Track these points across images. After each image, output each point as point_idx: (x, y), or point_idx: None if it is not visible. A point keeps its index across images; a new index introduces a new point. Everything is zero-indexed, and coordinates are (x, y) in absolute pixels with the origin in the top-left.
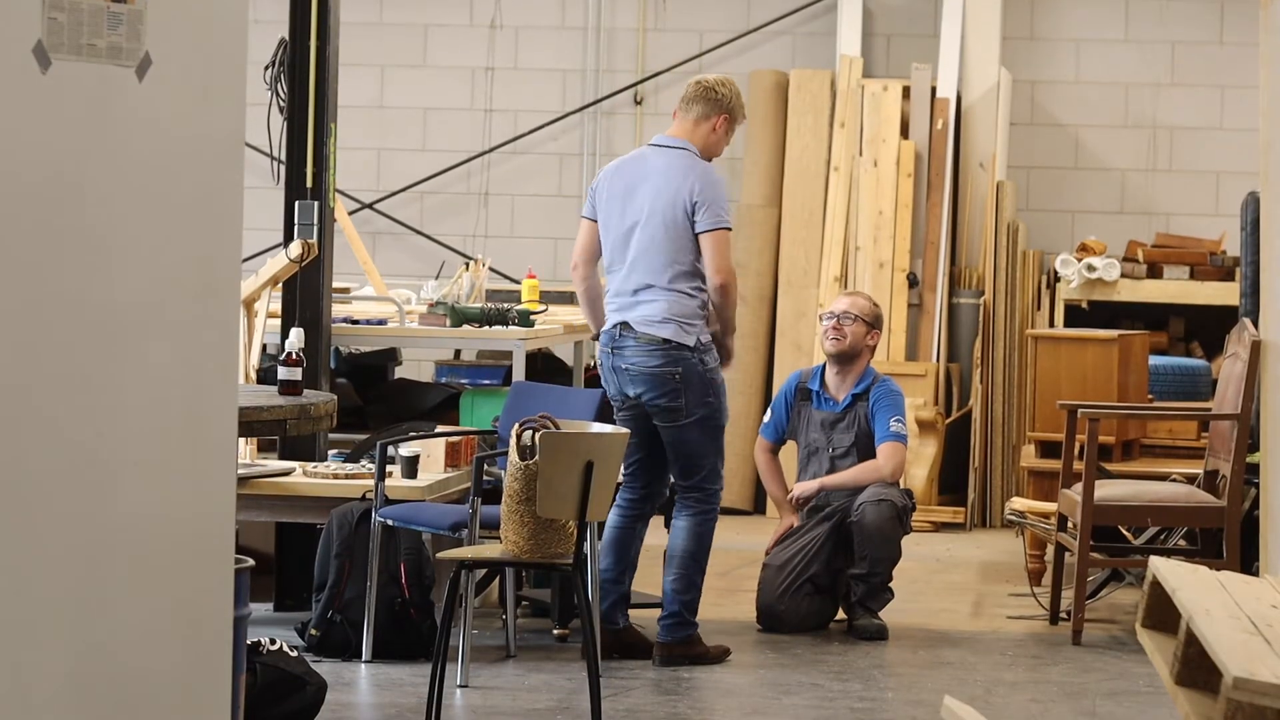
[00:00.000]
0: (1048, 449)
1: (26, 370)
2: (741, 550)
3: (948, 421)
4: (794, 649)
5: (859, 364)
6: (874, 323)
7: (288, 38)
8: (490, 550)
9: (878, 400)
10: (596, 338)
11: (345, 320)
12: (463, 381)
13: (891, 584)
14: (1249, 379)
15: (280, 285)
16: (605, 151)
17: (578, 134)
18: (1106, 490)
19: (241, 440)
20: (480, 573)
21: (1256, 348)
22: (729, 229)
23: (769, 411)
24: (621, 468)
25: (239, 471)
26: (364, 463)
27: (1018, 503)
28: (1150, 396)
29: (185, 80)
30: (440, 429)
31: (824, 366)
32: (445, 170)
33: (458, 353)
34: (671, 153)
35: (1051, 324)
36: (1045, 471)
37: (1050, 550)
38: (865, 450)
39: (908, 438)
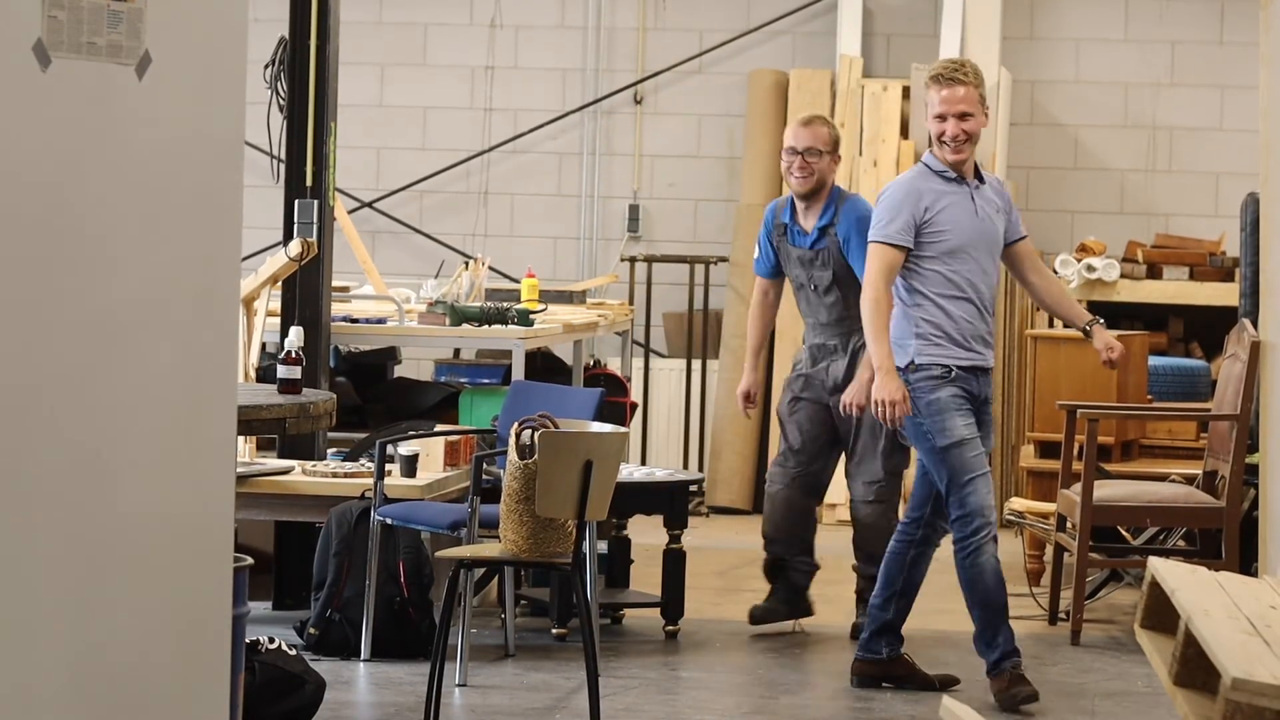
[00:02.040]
0: (1047, 449)
1: (26, 368)
2: (741, 550)
3: None
4: (793, 649)
5: (824, 193)
6: (835, 149)
7: (288, 36)
8: (489, 549)
9: (847, 238)
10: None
11: (345, 319)
12: (462, 380)
13: None
14: (1248, 380)
15: (280, 284)
16: (605, 151)
17: (577, 133)
18: (1106, 491)
19: (241, 439)
20: (479, 572)
21: (1256, 348)
22: (880, 242)
23: (756, 247)
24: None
25: (238, 470)
26: (363, 461)
27: (1017, 503)
28: (1149, 397)
29: (185, 78)
30: (439, 428)
31: (792, 197)
32: (445, 169)
33: (457, 352)
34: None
35: (1051, 324)
36: (1044, 472)
37: (1049, 550)
38: (847, 282)
39: None
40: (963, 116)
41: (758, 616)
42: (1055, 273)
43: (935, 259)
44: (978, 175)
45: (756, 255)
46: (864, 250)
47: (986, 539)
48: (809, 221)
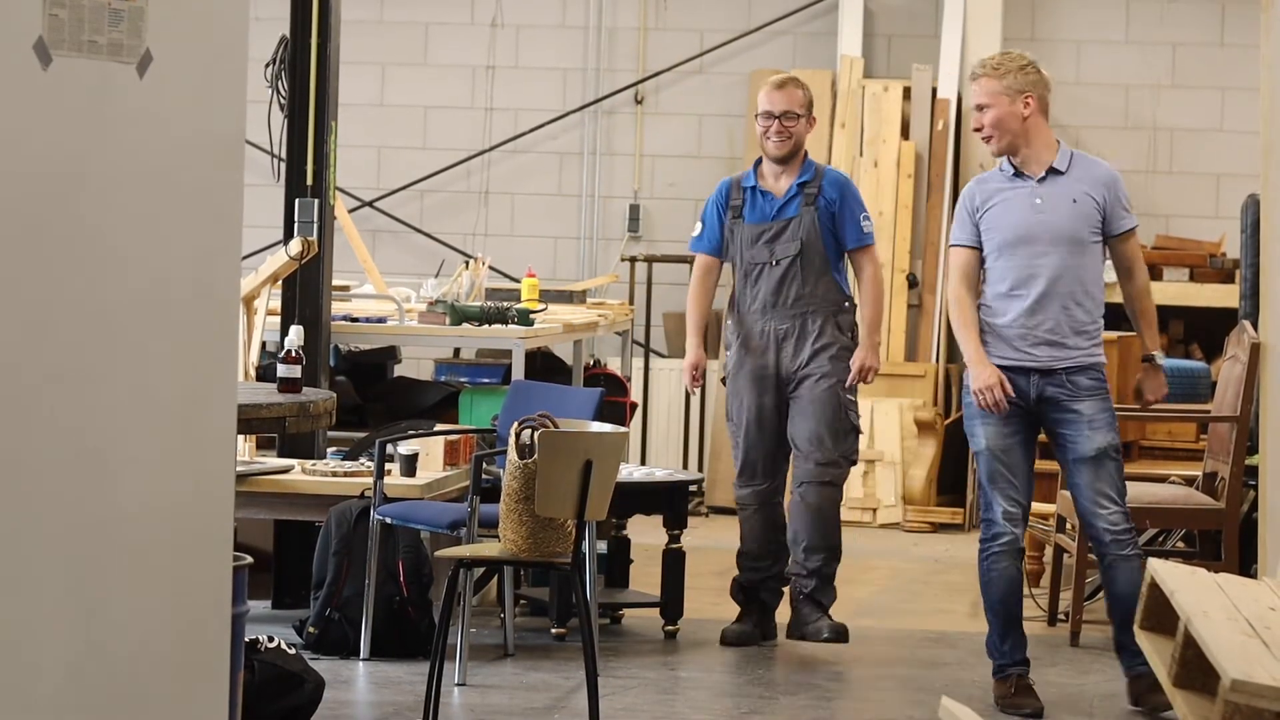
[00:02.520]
0: (1046, 450)
1: (26, 367)
2: None
3: (947, 422)
4: (792, 649)
5: (800, 156)
6: (811, 110)
7: (289, 35)
8: (488, 549)
9: (843, 196)
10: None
11: (345, 318)
12: (462, 380)
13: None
14: (1248, 381)
15: (280, 283)
16: (605, 151)
17: (578, 133)
18: None
19: (240, 437)
20: (478, 571)
21: (1256, 350)
22: (950, 245)
23: (699, 224)
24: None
25: (238, 469)
26: (363, 460)
27: None
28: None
29: (186, 77)
30: (439, 427)
31: (758, 163)
32: (445, 169)
33: (457, 351)
34: None
35: None
36: (1044, 472)
37: (1049, 551)
38: (811, 258)
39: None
40: (980, 109)
41: (731, 639)
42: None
43: (990, 256)
44: (1054, 167)
45: (698, 232)
46: (856, 213)
47: (1000, 550)
48: (783, 182)
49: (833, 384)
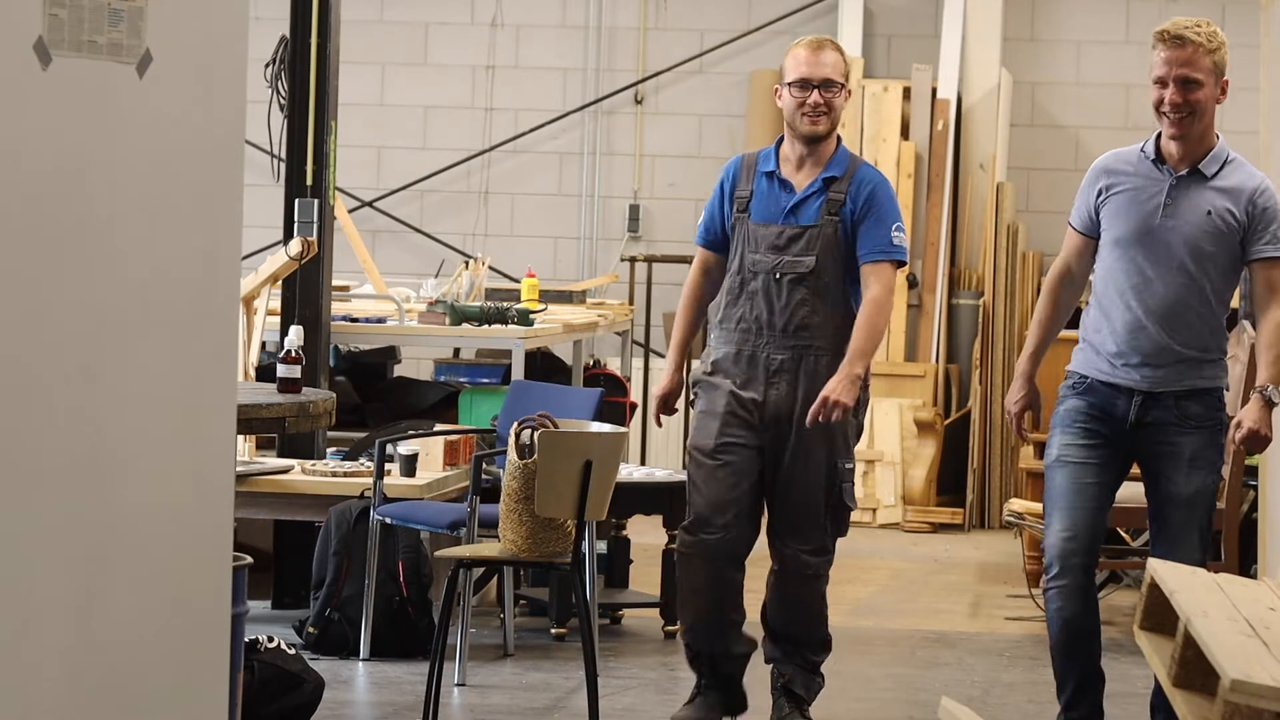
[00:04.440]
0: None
1: (25, 366)
2: None
3: (947, 422)
4: None
5: (833, 139)
6: (848, 79)
7: (288, 35)
8: (488, 549)
9: (874, 194)
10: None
11: (344, 318)
12: (462, 380)
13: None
14: (1248, 381)
15: (280, 283)
16: (605, 151)
17: (578, 133)
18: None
19: (240, 437)
20: (478, 571)
21: (1255, 350)
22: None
23: (705, 211)
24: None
25: (237, 469)
26: (363, 461)
27: (1016, 504)
28: None
29: (186, 77)
30: (439, 427)
31: (780, 142)
32: (445, 169)
33: (457, 351)
34: None
35: None
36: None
37: None
38: (827, 277)
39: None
40: (1184, 84)
41: None
42: None
43: (1102, 251)
44: (1198, 168)
45: (702, 218)
46: (893, 218)
47: (1055, 589)
48: (806, 174)
49: (830, 450)
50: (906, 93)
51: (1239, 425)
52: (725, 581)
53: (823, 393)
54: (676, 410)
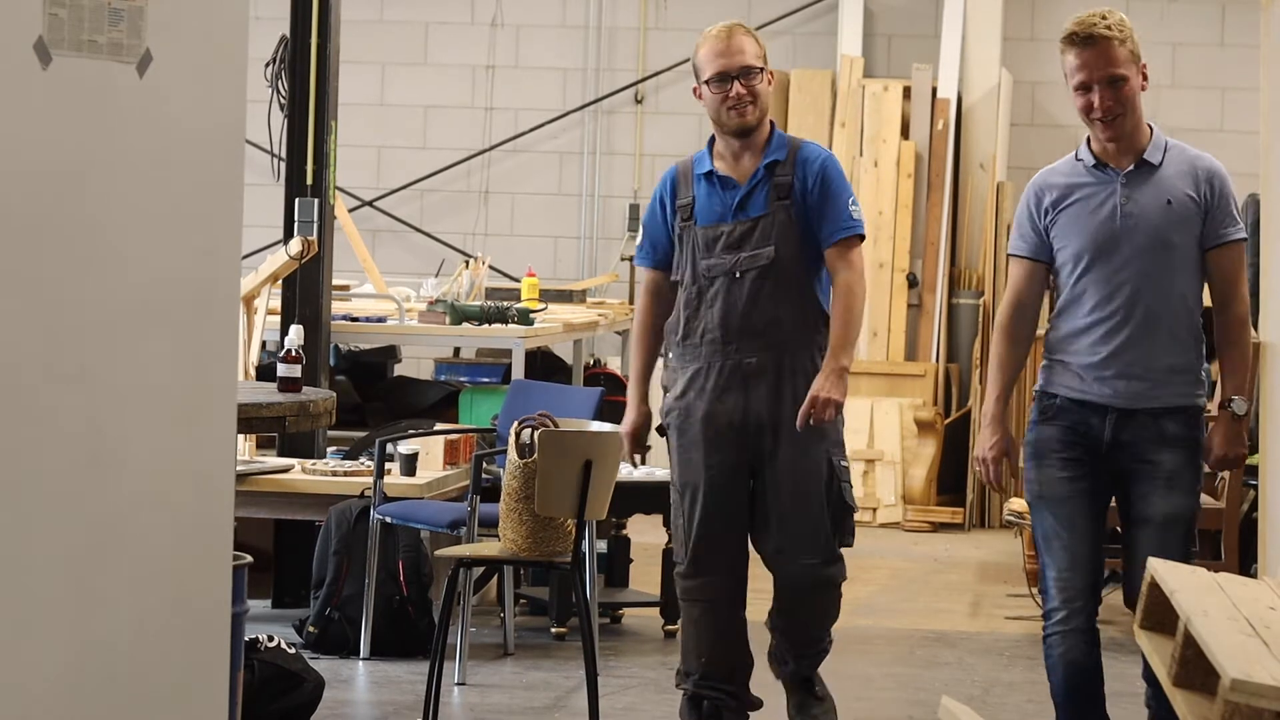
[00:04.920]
0: None
1: (26, 366)
2: None
3: (947, 422)
4: None
5: (765, 125)
6: (766, 60)
7: (289, 35)
8: (488, 548)
9: (824, 178)
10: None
11: (345, 318)
12: (462, 379)
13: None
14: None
15: (280, 282)
16: (606, 150)
17: (578, 132)
18: None
19: (240, 437)
20: (478, 570)
21: (1256, 350)
22: (1009, 255)
23: (640, 229)
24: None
25: (238, 468)
26: (363, 460)
27: (1016, 503)
28: None
29: (186, 77)
30: (439, 427)
31: (712, 142)
32: (445, 168)
33: (457, 351)
34: None
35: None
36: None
37: None
38: (787, 274)
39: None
40: (1112, 82)
41: None
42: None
43: (1064, 270)
44: (1144, 159)
45: (640, 238)
46: (843, 198)
47: (1057, 632)
48: (747, 165)
49: (823, 449)
50: (906, 92)
51: (1208, 451)
52: (736, 624)
53: (811, 391)
54: (650, 447)
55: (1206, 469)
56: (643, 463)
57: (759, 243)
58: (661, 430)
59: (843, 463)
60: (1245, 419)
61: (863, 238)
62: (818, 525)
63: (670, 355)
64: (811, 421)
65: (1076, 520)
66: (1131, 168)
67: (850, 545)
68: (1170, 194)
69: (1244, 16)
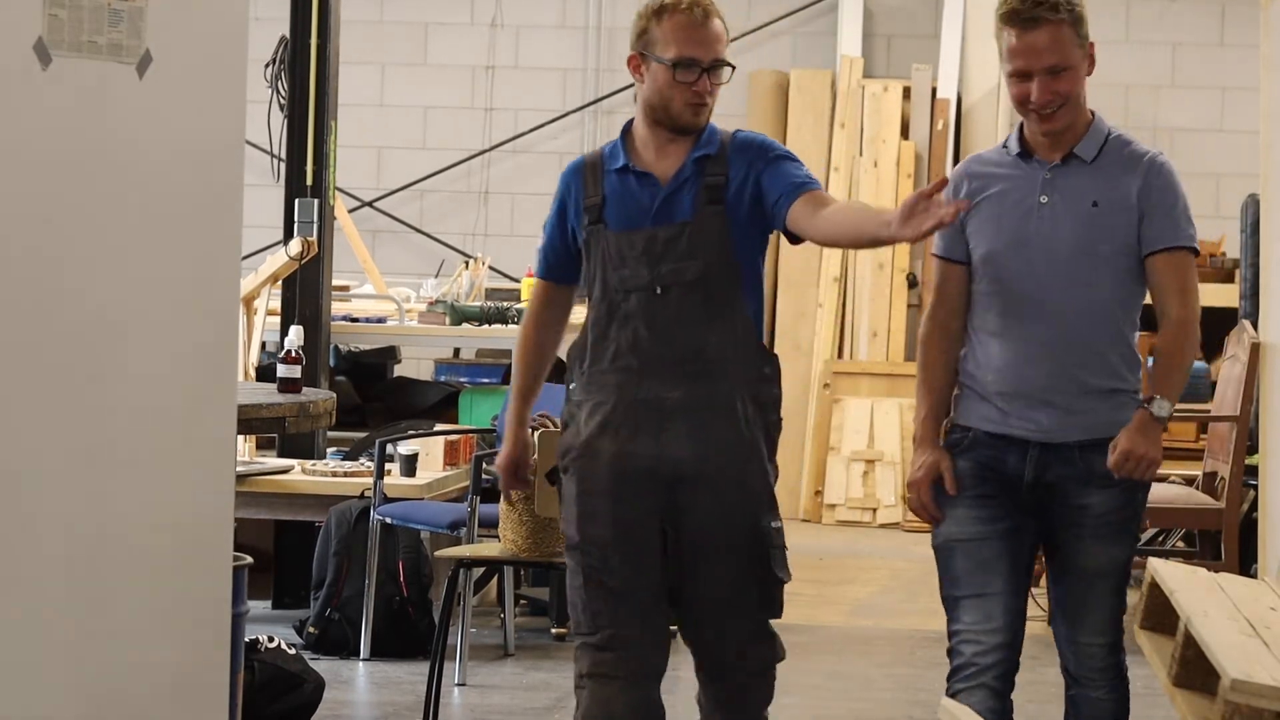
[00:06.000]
0: None
1: (26, 367)
2: None
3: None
4: (792, 650)
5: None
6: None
7: (288, 35)
8: (488, 549)
9: (759, 157)
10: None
11: (345, 318)
12: (462, 380)
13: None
14: (1248, 381)
15: (280, 283)
16: None
17: (578, 133)
18: None
19: (240, 437)
20: (478, 571)
21: (1256, 350)
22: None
23: (542, 232)
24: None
25: (238, 469)
26: (363, 461)
27: None
28: None
29: (186, 77)
30: (439, 427)
31: (627, 131)
32: (445, 169)
33: (457, 351)
34: None
35: None
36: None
37: None
38: (719, 292)
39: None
40: (1054, 72)
41: None
42: None
43: (973, 275)
44: (1074, 153)
45: (542, 244)
46: (793, 161)
47: (957, 689)
48: (672, 158)
49: (751, 508)
50: (906, 93)
51: (1113, 448)
52: (653, 705)
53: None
54: (531, 480)
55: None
56: (528, 501)
57: (684, 254)
58: (554, 476)
59: (774, 524)
60: (1162, 424)
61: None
62: (740, 597)
63: (573, 385)
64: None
65: (992, 567)
66: (1059, 161)
67: (778, 617)
68: (1099, 194)
69: (1244, 16)
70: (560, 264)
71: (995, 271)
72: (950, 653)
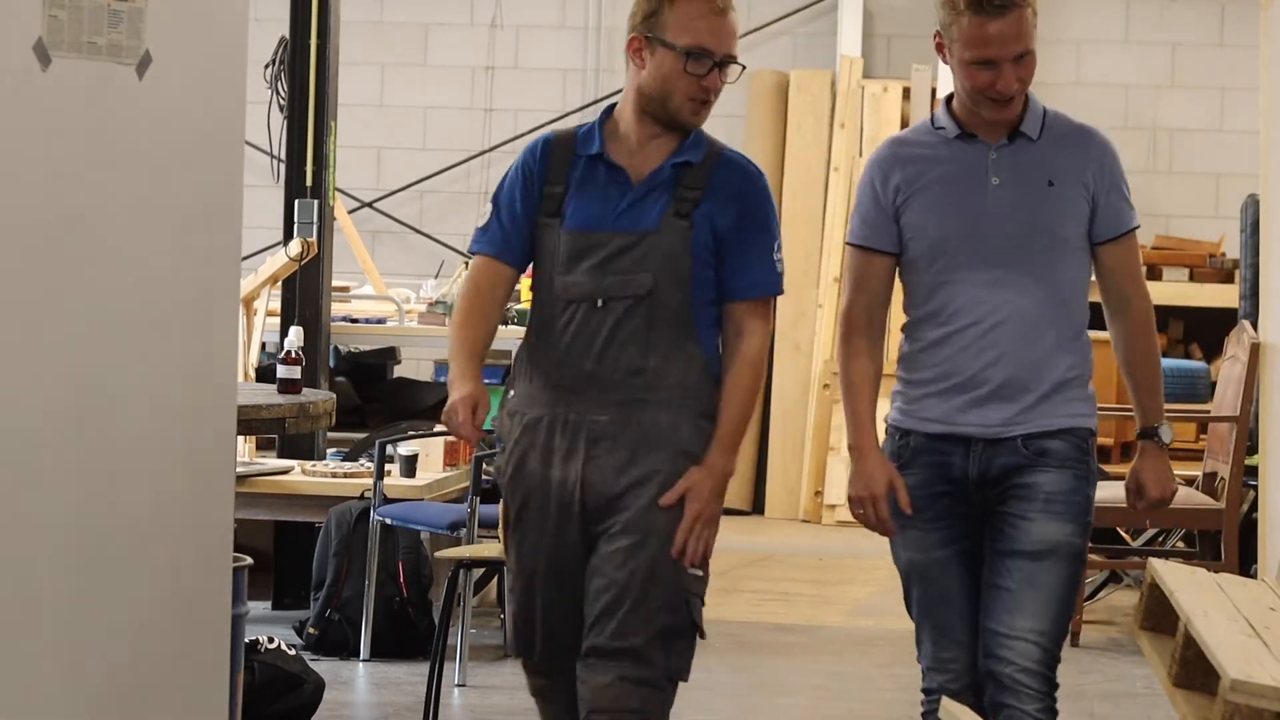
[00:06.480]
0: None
1: (26, 368)
2: (740, 550)
3: None
4: (793, 650)
5: None
6: None
7: (288, 36)
8: (488, 549)
9: (744, 206)
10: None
11: (344, 319)
12: None
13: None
14: (1248, 381)
15: (280, 284)
16: None
17: None
18: (1105, 492)
19: (240, 438)
20: (478, 572)
21: (1255, 350)
22: (847, 244)
23: (490, 207)
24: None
25: (237, 469)
26: (363, 461)
27: None
28: None
29: (185, 78)
30: (439, 428)
31: (607, 116)
32: (445, 169)
33: None
34: None
35: None
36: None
37: None
38: (667, 311)
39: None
40: (1020, 59)
41: None
42: None
43: (916, 265)
44: (1021, 131)
45: (486, 221)
46: (766, 247)
47: (931, 709)
48: (651, 155)
49: (668, 550)
50: (906, 93)
51: (1139, 492)
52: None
53: (682, 485)
54: (491, 433)
55: (1138, 508)
56: (484, 444)
57: (634, 267)
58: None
59: (695, 573)
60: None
61: (780, 294)
62: (641, 637)
63: (511, 394)
64: (688, 554)
65: (953, 592)
66: (1004, 141)
67: (684, 676)
68: (1053, 174)
69: (1244, 16)
70: (515, 245)
71: (947, 260)
72: (923, 673)
